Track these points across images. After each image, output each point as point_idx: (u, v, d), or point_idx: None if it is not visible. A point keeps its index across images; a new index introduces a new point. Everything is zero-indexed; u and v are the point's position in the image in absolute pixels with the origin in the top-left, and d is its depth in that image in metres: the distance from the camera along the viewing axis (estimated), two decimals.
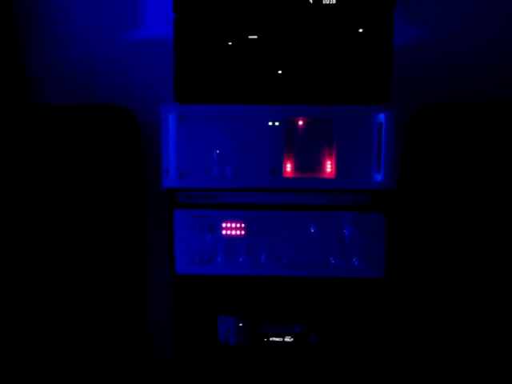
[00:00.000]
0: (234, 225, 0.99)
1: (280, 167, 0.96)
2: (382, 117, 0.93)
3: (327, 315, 1.02)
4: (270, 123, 0.95)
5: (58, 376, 1.12)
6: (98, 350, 1.12)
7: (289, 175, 0.96)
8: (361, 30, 0.95)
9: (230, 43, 0.96)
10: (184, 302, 1.03)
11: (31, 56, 1.25)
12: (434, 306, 1.08)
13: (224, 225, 0.99)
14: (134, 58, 1.24)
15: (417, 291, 1.14)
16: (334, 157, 0.95)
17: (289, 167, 0.96)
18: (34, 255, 1.08)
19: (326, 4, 0.95)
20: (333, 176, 0.96)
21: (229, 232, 0.99)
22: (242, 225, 0.99)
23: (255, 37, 0.96)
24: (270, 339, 1.03)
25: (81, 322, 1.10)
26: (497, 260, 1.03)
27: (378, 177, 0.94)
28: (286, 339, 1.03)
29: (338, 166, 0.95)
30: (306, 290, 1.01)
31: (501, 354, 1.06)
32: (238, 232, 0.99)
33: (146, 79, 1.24)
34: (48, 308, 1.09)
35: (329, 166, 0.96)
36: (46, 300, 1.09)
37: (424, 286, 1.10)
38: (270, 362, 1.04)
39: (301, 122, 0.95)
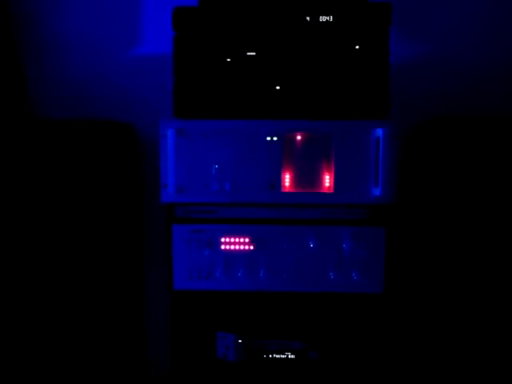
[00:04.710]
0: (232, 239, 0.98)
1: (278, 182, 0.96)
2: (379, 132, 0.93)
3: (327, 330, 1.01)
4: (268, 138, 0.95)
5: None
6: (96, 365, 1.11)
7: (287, 190, 0.96)
8: (357, 47, 0.96)
9: (228, 59, 0.97)
10: (182, 317, 1.02)
11: (33, 72, 1.27)
12: (434, 320, 1.07)
13: (223, 239, 0.98)
14: (135, 74, 1.26)
15: (417, 305, 1.13)
16: (332, 171, 0.96)
17: (287, 182, 0.96)
18: (32, 271, 1.07)
19: (322, 21, 0.96)
20: (331, 190, 0.96)
21: (228, 247, 0.99)
22: (241, 239, 0.98)
23: (253, 53, 0.97)
24: (270, 356, 1.02)
25: (77, 337, 1.09)
26: (498, 272, 1.03)
27: (376, 191, 0.95)
28: (285, 356, 1.02)
29: (337, 181, 0.96)
30: (306, 305, 1.00)
31: (502, 371, 1.05)
32: (237, 247, 0.98)
33: (146, 94, 1.25)
34: (44, 326, 1.09)
35: (327, 181, 0.96)
36: (43, 318, 1.08)
37: (424, 300, 1.09)
38: (270, 379, 1.03)
39: (299, 137, 0.95)
